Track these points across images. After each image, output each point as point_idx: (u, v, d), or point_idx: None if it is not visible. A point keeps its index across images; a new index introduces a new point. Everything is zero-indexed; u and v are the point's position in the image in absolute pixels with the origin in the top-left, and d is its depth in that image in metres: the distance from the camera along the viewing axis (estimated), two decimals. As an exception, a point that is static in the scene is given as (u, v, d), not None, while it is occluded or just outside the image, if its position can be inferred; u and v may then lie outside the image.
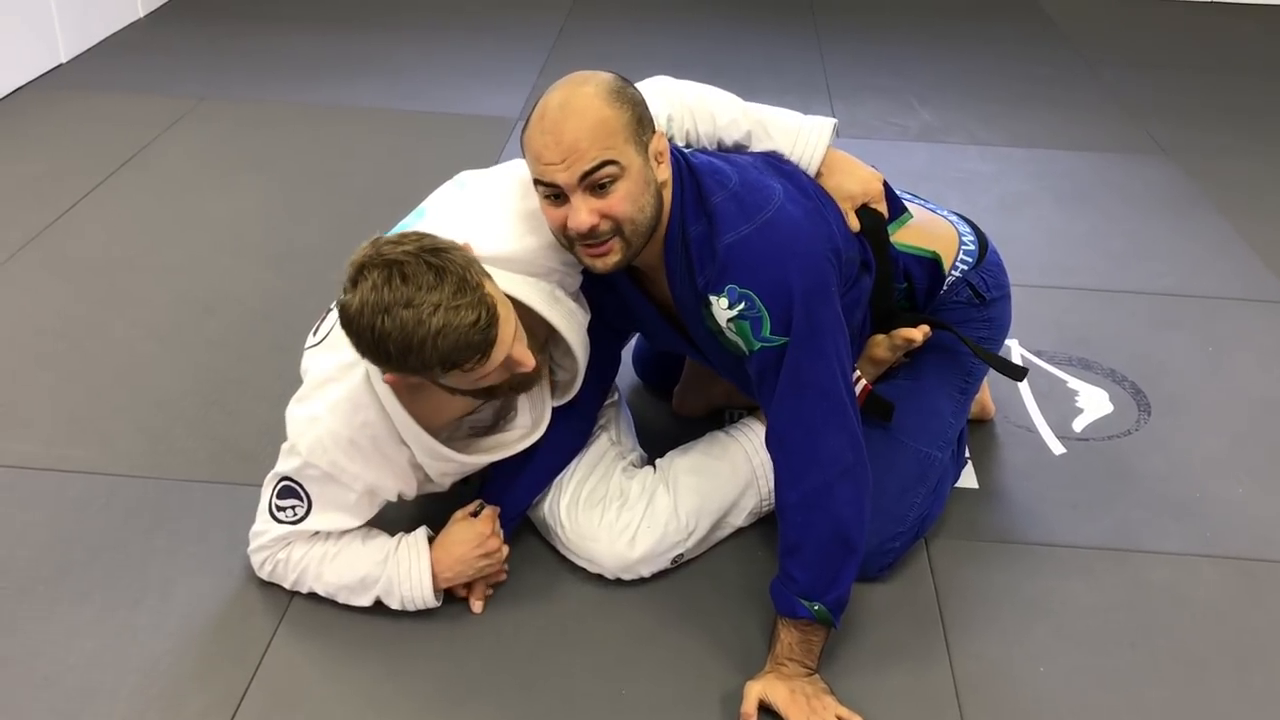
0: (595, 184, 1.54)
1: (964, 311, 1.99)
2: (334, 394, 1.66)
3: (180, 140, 3.53)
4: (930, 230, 1.97)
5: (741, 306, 1.62)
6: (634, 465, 1.96)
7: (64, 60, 4.11)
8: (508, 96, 3.90)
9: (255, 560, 1.82)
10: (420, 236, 1.50)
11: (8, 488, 2.07)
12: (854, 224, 1.80)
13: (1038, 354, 2.52)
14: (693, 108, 1.84)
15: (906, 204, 1.92)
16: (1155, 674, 1.74)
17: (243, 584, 1.85)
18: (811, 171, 1.82)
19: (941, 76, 4.25)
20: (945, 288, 1.98)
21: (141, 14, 4.63)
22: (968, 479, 2.13)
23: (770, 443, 1.70)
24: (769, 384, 1.66)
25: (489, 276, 1.54)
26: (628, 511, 1.85)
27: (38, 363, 2.43)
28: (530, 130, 1.57)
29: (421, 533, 1.79)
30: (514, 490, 1.87)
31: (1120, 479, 2.15)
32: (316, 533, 1.77)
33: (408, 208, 1.82)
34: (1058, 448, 2.23)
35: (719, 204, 1.65)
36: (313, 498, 1.73)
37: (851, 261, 1.77)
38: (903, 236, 1.90)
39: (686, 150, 1.76)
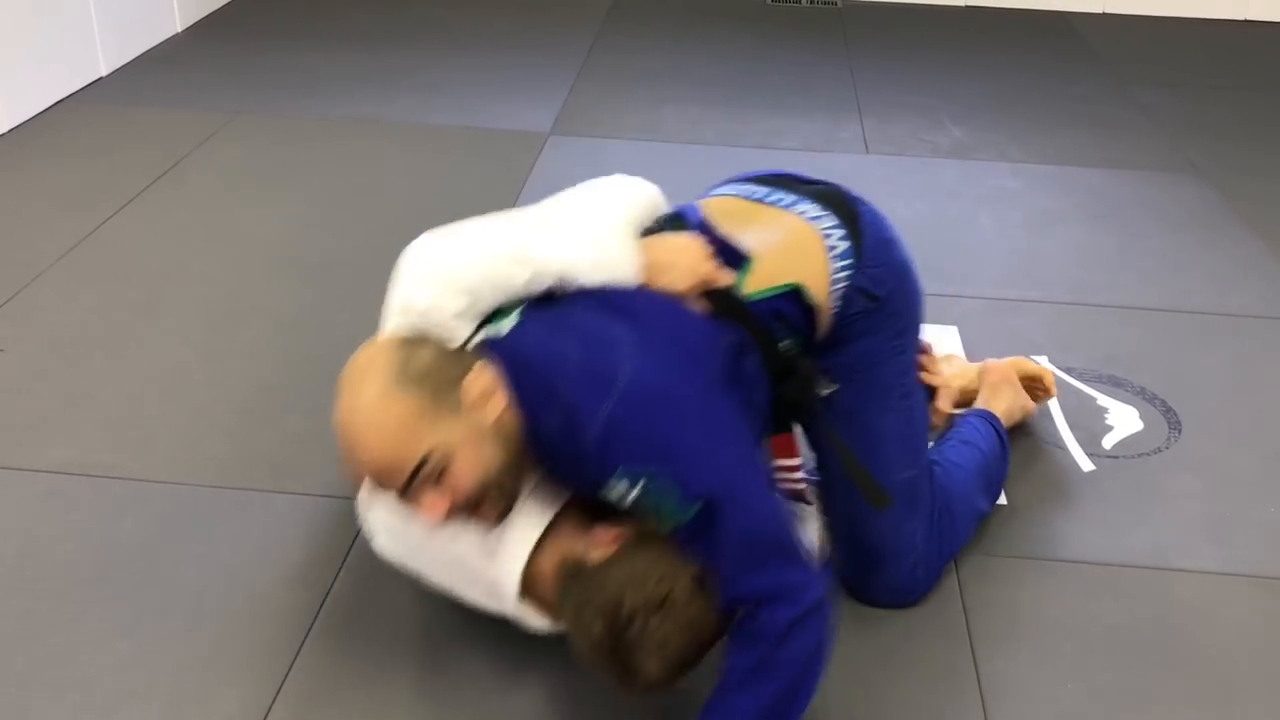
0: (427, 479, 1.43)
1: (873, 322, 1.76)
2: None
3: (216, 154, 3.58)
4: (782, 252, 1.71)
5: (641, 485, 1.43)
6: None
7: (104, 74, 4.18)
8: (539, 111, 3.93)
9: None
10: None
11: (46, 493, 2.10)
12: (705, 310, 1.63)
13: (1067, 371, 2.51)
14: (476, 289, 1.58)
15: (749, 207, 1.75)
16: (1185, 694, 1.73)
17: (273, 591, 1.87)
18: (630, 274, 1.61)
19: (974, 95, 4.25)
20: (837, 307, 1.73)
21: (180, 29, 4.70)
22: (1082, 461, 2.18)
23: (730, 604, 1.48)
24: (706, 546, 1.45)
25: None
26: None
27: (76, 370, 2.47)
28: (340, 444, 1.46)
29: None
30: None
31: (1150, 497, 2.14)
32: None
33: (439, 220, 1.77)
34: (1087, 465, 2.22)
35: (569, 388, 1.46)
36: None
37: (730, 347, 1.61)
38: (756, 284, 1.67)
39: (509, 338, 1.56)
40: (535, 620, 1.61)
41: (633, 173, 1.85)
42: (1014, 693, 1.73)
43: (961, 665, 1.77)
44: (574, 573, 1.51)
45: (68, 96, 3.96)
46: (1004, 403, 2.18)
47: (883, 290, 1.75)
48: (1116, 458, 2.24)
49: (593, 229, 1.64)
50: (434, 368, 1.47)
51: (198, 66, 4.34)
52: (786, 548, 1.47)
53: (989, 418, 2.11)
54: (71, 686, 1.70)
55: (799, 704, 1.46)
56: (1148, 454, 2.26)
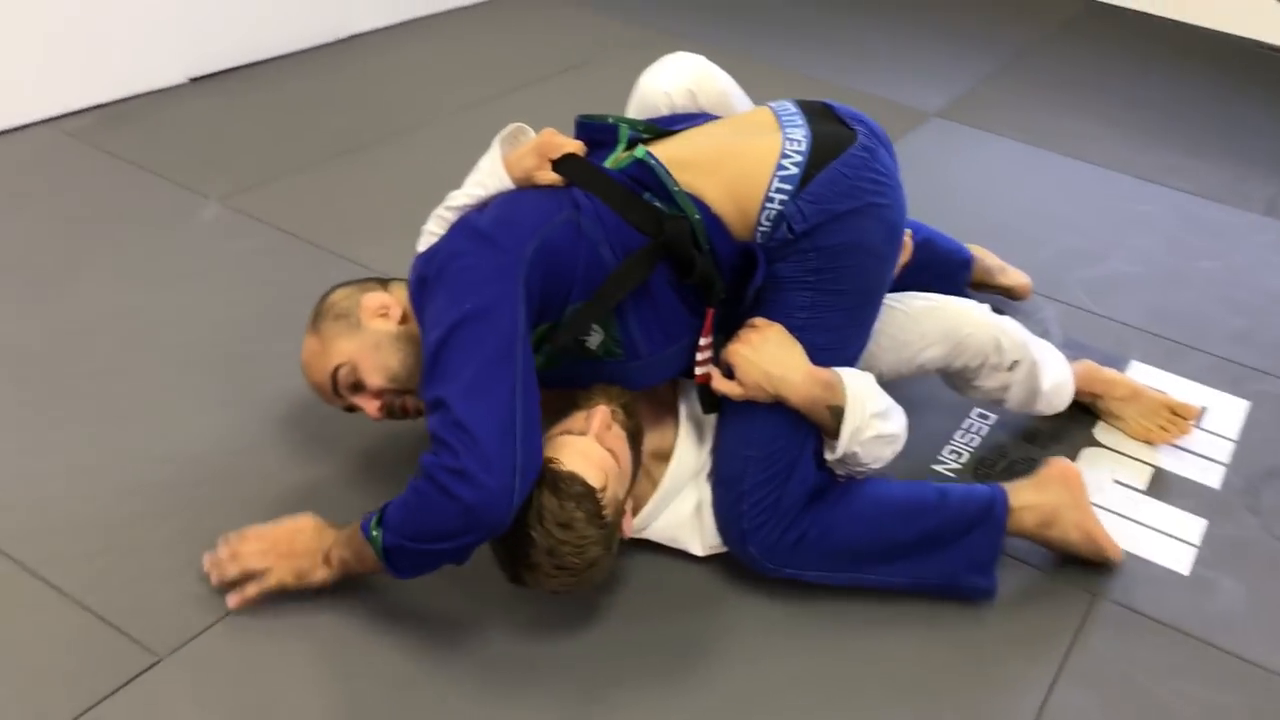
0: (347, 388, 1.76)
1: (789, 251, 1.75)
2: None
3: (619, 60, 3.90)
4: (723, 150, 1.81)
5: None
6: None
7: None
8: (930, 91, 3.93)
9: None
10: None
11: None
12: (552, 179, 1.79)
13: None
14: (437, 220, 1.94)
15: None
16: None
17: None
18: (505, 182, 1.83)
19: None
20: (764, 226, 1.75)
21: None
22: (1179, 563, 2.00)
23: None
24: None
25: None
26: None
27: (422, 192, 2.91)
28: None
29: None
30: None
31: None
32: None
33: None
34: (1301, 568, 2.02)
35: (414, 310, 1.74)
36: None
37: (567, 211, 1.74)
38: (621, 158, 1.84)
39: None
40: None
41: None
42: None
43: (1035, 688, 1.74)
44: None
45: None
46: (1040, 497, 1.89)
47: (802, 226, 1.73)
48: (1343, 574, 2.02)
49: (482, 160, 1.91)
50: (336, 301, 1.82)
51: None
52: (468, 421, 1.51)
53: (995, 491, 1.87)
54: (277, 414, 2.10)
55: (421, 545, 1.54)
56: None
